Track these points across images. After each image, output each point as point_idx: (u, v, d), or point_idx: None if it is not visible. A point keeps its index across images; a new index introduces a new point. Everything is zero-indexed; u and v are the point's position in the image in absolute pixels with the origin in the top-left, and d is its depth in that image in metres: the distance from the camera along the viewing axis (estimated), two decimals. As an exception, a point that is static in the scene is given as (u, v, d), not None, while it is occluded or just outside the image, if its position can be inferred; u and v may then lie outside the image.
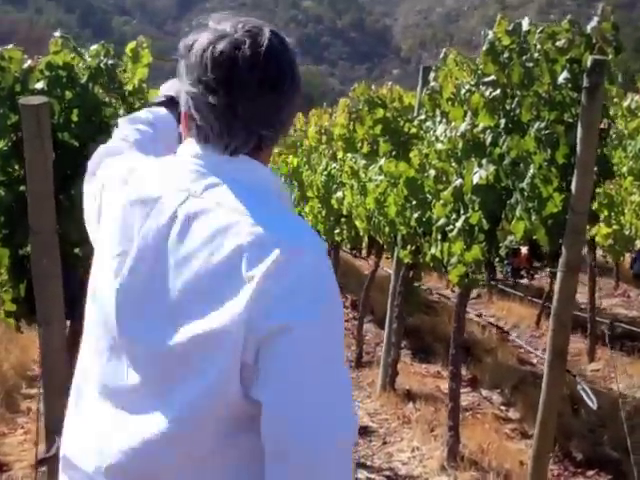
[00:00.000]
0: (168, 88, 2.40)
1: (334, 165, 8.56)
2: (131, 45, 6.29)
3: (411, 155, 6.01)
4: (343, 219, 8.63)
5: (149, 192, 1.56)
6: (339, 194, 8.31)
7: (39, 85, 4.07)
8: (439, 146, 5.59)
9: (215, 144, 1.54)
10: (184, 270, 1.45)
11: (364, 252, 12.87)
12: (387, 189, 6.58)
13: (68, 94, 4.14)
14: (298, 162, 10.27)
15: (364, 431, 6.47)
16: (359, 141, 7.33)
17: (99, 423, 1.55)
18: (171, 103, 2.29)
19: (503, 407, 7.25)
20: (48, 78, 4.06)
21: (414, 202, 6.08)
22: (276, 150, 11.33)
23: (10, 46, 4.15)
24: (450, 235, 5.37)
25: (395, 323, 7.07)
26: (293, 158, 10.46)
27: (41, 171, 3.79)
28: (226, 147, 1.53)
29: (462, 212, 5.26)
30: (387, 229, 6.76)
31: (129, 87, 6.23)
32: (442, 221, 5.50)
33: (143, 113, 2.25)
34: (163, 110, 2.28)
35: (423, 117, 6.22)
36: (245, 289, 1.38)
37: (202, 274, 1.43)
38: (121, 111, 4.41)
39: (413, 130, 6.56)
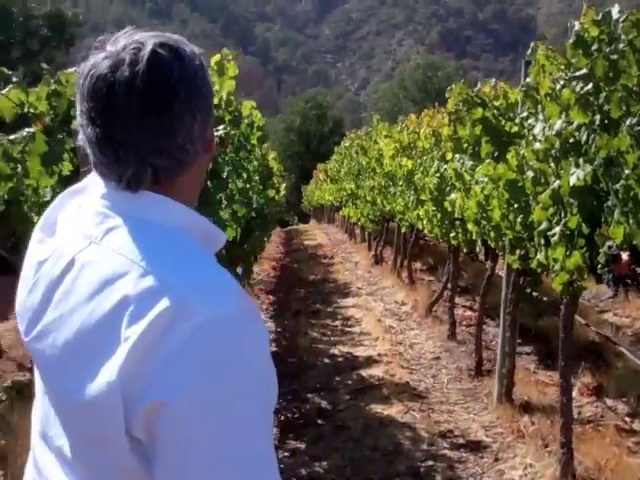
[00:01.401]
0: None
1: (445, 167, 8.27)
2: (216, 58, 6.22)
3: (508, 156, 5.67)
4: (457, 222, 8.30)
5: (56, 242, 1.43)
6: (452, 196, 8.00)
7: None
8: (537, 146, 5.24)
9: (109, 180, 1.38)
10: (67, 326, 1.30)
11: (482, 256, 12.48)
12: (492, 192, 6.25)
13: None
14: (412, 164, 9.99)
15: (476, 446, 6.18)
16: (464, 142, 7.00)
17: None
18: None
19: (628, 418, 6.77)
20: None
21: (516, 205, 5.76)
22: (390, 152, 11.09)
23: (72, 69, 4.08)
24: (552, 240, 5.04)
25: (508, 332, 6.72)
26: (407, 160, 10.18)
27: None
28: (120, 182, 1.36)
29: (562, 216, 4.93)
30: (492, 234, 6.43)
31: (215, 100, 6.17)
32: (543, 225, 5.19)
33: None
34: None
35: (525, 115, 5.87)
36: (120, 352, 1.21)
37: (84, 330, 1.28)
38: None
39: (515, 129, 6.19)
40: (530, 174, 5.32)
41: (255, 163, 8.26)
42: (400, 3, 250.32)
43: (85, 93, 1.34)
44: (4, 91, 3.97)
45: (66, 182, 4.04)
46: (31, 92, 3.99)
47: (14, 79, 3.97)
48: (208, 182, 4.60)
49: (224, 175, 4.78)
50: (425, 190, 8.99)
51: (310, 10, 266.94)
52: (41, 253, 1.44)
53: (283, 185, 29.08)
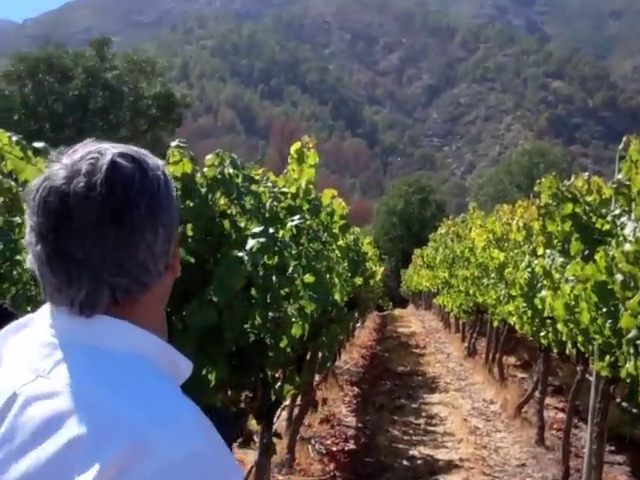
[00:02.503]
0: None
1: (536, 262, 7.89)
2: (296, 146, 6.07)
3: (597, 257, 5.30)
4: (548, 321, 7.88)
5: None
6: (543, 293, 7.61)
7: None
8: (627, 247, 4.87)
9: (61, 304, 1.23)
10: (13, 471, 1.11)
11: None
12: (580, 293, 5.86)
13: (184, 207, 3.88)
14: (505, 257, 9.63)
15: None
16: (555, 238, 6.65)
17: None
18: None
19: None
20: (160, 191, 3.82)
21: (604, 309, 5.36)
22: (482, 243, 10.74)
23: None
24: (642, 350, 4.64)
25: (595, 443, 6.23)
26: (499, 253, 9.82)
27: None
28: (72, 306, 1.21)
29: (653, 324, 4.54)
30: (580, 337, 6.01)
31: (292, 189, 6.00)
32: (632, 333, 4.79)
33: None
34: None
35: (617, 212, 5.51)
36: None
37: (32, 476, 1.09)
38: (242, 223, 4.08)
39: (607, 227, 5.82)
40: (619, 277, 4.93)
41: (337, 253, 8.02)
42: (509, 89, 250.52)
43: (36, 207, 1.21)
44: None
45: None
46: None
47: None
48: (273, 277, 4.39)
49: (289, 270, 4.55)
50: (515, 285, 8.60)
51: (419, 94, 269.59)
52: None
53: (381, 269, 28.89)
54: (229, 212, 4.05)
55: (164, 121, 45.65)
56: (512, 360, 13.84)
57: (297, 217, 5.62)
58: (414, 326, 24.49)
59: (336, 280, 9.22)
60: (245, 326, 4.18)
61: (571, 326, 6.22)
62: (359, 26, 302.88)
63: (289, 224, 5.57)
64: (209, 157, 3.97)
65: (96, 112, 44.39)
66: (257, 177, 5.67)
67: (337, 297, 8.48)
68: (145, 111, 45.42)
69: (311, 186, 6.12)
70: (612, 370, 5.73)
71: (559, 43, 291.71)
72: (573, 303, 6.13)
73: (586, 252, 5.98)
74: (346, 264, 11.28)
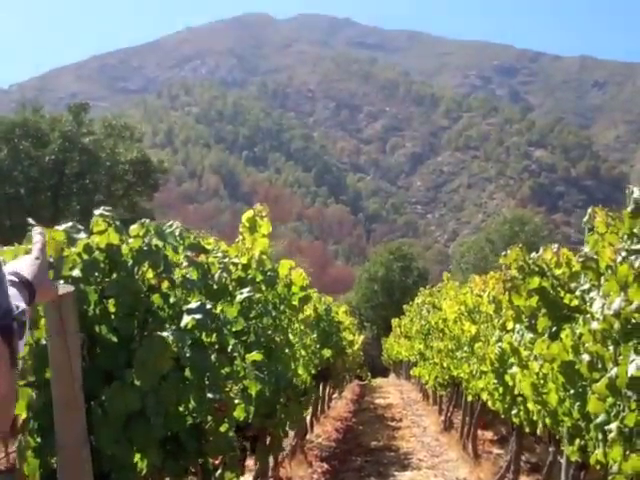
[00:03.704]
0: (22, 267, 1.93)
1: (505, 337, 7.57)
2: (248, 214, 5.79)
3: (562, 335, 5.00)
4: (519, 398, 7.54)
5: None
6: (513, 369, 7.27)
7: (76, 272, 3.52)
8: (594, 325, 4.58)
9: None
10: None
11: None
12: (548, 372, 5.56)
13: (106, 281, 3.56)
14: (476, 330, 9.30)
15: None
16: (522, 312, 6.34)
17: None
18: (25, 284, 1.84)
19: None
20: (83, 263, 3.50)
21: (572, 391, 5.04)
22: (453, 315, 10.43)
23: (64, 226, 3.63)
24: (609, 437, 4.30)
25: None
26: (470, 325, 9.50)
27: (64, 374, 3.28)
28: None
29: (620, 409, 4.22)
30: (548, 419, 5.68)
31: (243, 260, 5.69)
32: (600, 418, 4.46)
33: None
34: (11, 290, 1.72)
35: (586, 287, 5.22)
36: None
37: None
38: (172, 299, 3.76)
39: (575, 302, 5.52)
40: (586, 357, 4.64)
41: (296, 325, 7.69)
42: (492, 157, 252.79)
43: None
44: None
45: (41, 352, 3.54)
46: (5, 251, 3.56)
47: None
48: (212, 356, 4.06)
49: (229, 348, 4.23)
50: (486, 360, 8.27)
51: (403, 162, 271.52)
52: None
53: (360, 338, 28.49)
54: (158, 286, 3.73)
55: (141, 186, 45.48)
56: (489, 435, 13.42)
57: (247, 290, 5.31)
58: (392, 397, 24.02)
59: (302, 353, 8.89)
60: (180, 409, 3.84)
61: (538, 407, 5.89)
62: (343, 95, 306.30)
63: (238, 297, 5.26)
64: (134, 227, 3.67)
65: (72, 177, 44.05)
66: (209, 246, 5.39)
67: (300, 371, 8.13)
68: (122, 176, 44.98)
69: (265, 257, 5.83)
70: (583, 455, 5.40)
71: (542, 112, 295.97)
72: (542, 382, 5.82)
73: (554, 329, 5.69)
74: (315, 335, 10.95)
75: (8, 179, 41.74)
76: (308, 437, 13.09)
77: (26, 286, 1.83)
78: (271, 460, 8.75)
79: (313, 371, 10.02)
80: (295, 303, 6.93)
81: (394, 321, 27.86)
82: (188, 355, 3.64)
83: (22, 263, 1.97)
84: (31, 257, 2.03)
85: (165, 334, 3.46)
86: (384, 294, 59.34)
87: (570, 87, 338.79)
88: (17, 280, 1.82)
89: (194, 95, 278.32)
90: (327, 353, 11.27)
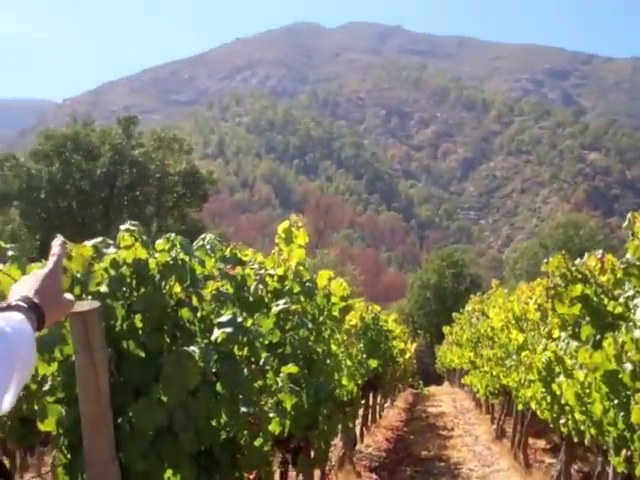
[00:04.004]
0: (30, 287, 1.88)
1: (551, 345, 7.42)
2: (284, 225, 5.74)
3: (605, 343, 4.87)
4: (567, 408, 7.38)
5: None
6: (561, 378, 7.12)
7: (103, 288, 3.50)
8: (637, 333, 4.47)
9: None
10: None
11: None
12: (593, 382, 5.42)
13: (134, 296, 3.54)
14: (524, 338, 9.15)
15: None
16: (566, 321, 6.20)
17: None
18: (33, 309, 1.77)
19: None
20: (110, 278, 3.49)
21: (616, 401, 4.91)
22: (499, 324, 10.28)
23: (93, 241, 3.61)
24: (656, 449, 4.19)
25: None
26: (518, 334, 9.34)
27: (92, 390, 3.26)
28: None
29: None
30: (593, 430, 5.54)
31: (279, 271, 5.65)
32: (646, 429, 4.34)
33: None
34: (17, 316, 1.70)
35: (630, 293, 5.10)
36: None
37: None
38: (200, 312, 3.72)
39: (619, 310, 5.38)
40: (628, 366, 4.53)
41: (338, 336, 7.62)
42: (545, 161, 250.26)
43: None
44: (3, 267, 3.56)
45: (70, 369, 3.53)
46: (34, 268, 3.57)
47: (10, 253, 3.57)
48: (245, 370, 4.01)
49: (261, 362, 4.18)
50: (533, 369, 8.12)
51: (455, 167, 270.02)
52: None
53: (412, 347, 28.32)
54: (187, 300, 3.71)
55: (190, 197, 45.89)
56: (541, 443, 13.22)
57: (282, 301, 5.27)
58: (445, 406, 23.80)
59: (347, 363, 8.82)
60: (213, 423, 3.81)
61: (583, 418, 5.76)
62: (394, 102, 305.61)
63: (274, 309, 5.22)
64: (159, 242, 3.64)
65: (123, 189, 44.80)
66: (245, 258, 5.37)
67: (345, 382, 8.06)
68: (171, 187, 45.72)
69: (301, 267, 5.78)
70: (629, 466, 5.26)
71: (595, 115, 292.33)
72: (586, 392, 5.69)
73: (597, 337, 5.55)
74: (362, 345, 10.88)
75: (60, 192, 42.38)
76: (358, 447, 13.00)
77: (34, 310, 1.78)
78: (317, 472, 8.70)
79: (360, 381, 9.94)
80: (335, 314, 6.87)
81: (446, 328, 27.61)
82: (214, 370, 3.61)
83: (31, 282, 1.92)
84: (43, 272, 1.97)
85: (192, 349, 3.42)
86: (437, 301, 58.94)
87: (623, 89, 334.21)
88: (25, 306, 1.78)
89: (245, 105, 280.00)
90: (374, 363, 11.18)
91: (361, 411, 14.14)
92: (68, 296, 2.04)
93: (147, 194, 44.26)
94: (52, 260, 2.03)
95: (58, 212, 42.33)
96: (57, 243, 2.12)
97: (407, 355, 23.07)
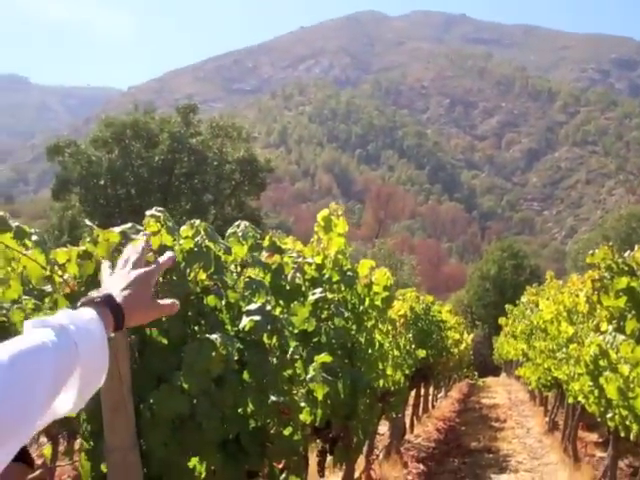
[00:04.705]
0: (119, 285, 1.82)
1: (597, 338, 7.28)
2: (323, 213, 5.71)
3: (646, 339, 4.76)
4: (614, 402, 7.24)
5: None
6: (607, 372, 6.99)
7: (125, 273, 3.50)
8: (678, 328, 4.35)
9: None
10: None
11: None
12: (636, 377, 5.31)
13: (158, 283, 3.54)
14: (574, 331, 8.99)
15: None
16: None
17: None
18: (112, 307, 1.72)
19: None
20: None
21: (659, 397, 4.81)
22: (549, 316, 10.13)
23: (121, 227, 3.62)
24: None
25: None
26: (567, 326, 9.19)
27: (112, 377, 3.26)
28: None
29: None
30: (635, 426, 5.42)
31: (317, 260, 5.62)
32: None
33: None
34: (86, 314, 1.64)
35: (676, 287, 4.98)
36: None
37: None
38: (224, 300, 3.71)
39: (664, 304, 5.26)
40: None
41: (382, 326, 7.56)
42: (611, 152, 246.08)
43: None
44: (29, 252, 3.57)
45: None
46: (58, 253, 3.57)
47: (34, 238, 3.57)
48: (274, 359, 4.00)
49: (290, 351, 4.15)
50: (580, 362, 7.98)
51: (518, 158, 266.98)
52: None
53: (469, 337, 28.13)
54: (214, 288, 3.70)
55: (247, 185, 46.40)
56: (594, 437, 13.01)
57: (319, 290, 5.25)
58: (499, 397, 23.60)
59: (395, 353, 8.77)
60: (239, 411, 3.80)
61: (626, 412, 5.64)
62: (458, 91, 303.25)
63: (310, 297, 5.20)
64: (184, 228, 3.64)
65: (181, 177, 45.18)
66: (285, 247, 5.35)
67: (389, 372, 8.02)
68: (229, 175, 46.02)
69: (341, 256, 5.74)
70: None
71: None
72: (631, 386, 5.57)
73: (642, 331, 5.44)
74: (410, 335, 10.82)
75: (119, 179, 42.95)
76: (407, 437, 12.96)
77: (113, 309, 1.72)
78: (362, 461, 8.69)
79: (407, 371, 9.88)
80: (378, 303, 6.82)
81: (502, 320, 27.37)
82: (239, 358, 3.60)
83: (121, 281, 1.84)
84: (137, 273, 1.88)
85: (214, 336, 3.41)
86: (496, 292, 58.32)
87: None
88: (103, 303, 1.73)
89: (308, 94, 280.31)
90: (422, 353, 11.10)
91: (411, 401, 14.08)
92: (165, 301, 1.93)
93: (205, 182, 44.40)
94: (154, 264, 1.93)
95: (117, 199, 42.87)
96: (169, 254, 2.03)
97: (462, 346, 22.90)
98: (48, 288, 3.74)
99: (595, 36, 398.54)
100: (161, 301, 1.90)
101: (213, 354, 3.39)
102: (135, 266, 1.90)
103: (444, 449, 12.76)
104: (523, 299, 18.05)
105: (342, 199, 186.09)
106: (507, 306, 21.91)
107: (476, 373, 31.91)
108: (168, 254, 2.02)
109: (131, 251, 1.98)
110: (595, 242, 68.17)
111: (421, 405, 15.86)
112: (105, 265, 1.98)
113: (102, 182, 42.98)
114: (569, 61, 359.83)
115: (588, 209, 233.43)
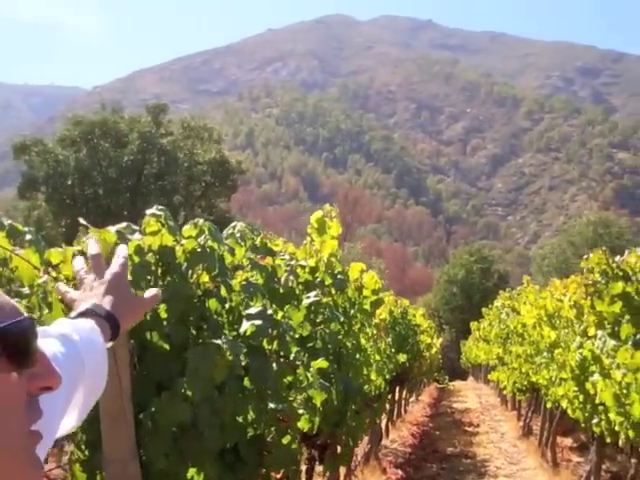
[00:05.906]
0: (96, 294, 1.69)
1: (586, 343, 7.23)
2: (317, 215, 5.60)
3: (646, 345, 4.69)
4: (601, 407, 7.19)
5: None
6: (595, 377, 6.93)
7: (125, 275, 3.35)
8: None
9: None
10: None
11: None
12: (632, 383, 5.24)
13: (158, 285, 3.39)
14: (556, 336, 8.95)
15: None
16: (605, 318, 6.02)
17: None
18: (106, 317, 1.61)
19: None
20: (133, 266, 3.32)
21: (658, 404, 4.74)
22: (531, 320, 10.10)
23: (117, 227, 3.46)
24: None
25: None
26: (550, 331, 9.15)
27: (112, 385, 3.10)
28: None
29: None
30: (631, 432, 5.36)
31: (311, 262, 5.50)
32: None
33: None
34: (86, 324, 1.54)
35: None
36: None
37: None
38: (227, 304, 3.58)
39: (661, 309, 5.20)
40: (674, 369, 4.34)
41: (368, 330, 7.47)
42: (574, 159, 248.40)
43: None
44: (21, 252, 3.41)
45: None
46: (53, 253, 3.41)
47: (28, 237, 3.41)
48: (274, 364, 3.87)
49: (291, 356, 4.03)
50: (566, 367, 7.93)
51: (484, 163, 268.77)
52: None
53: (438, 341, 28.13)
54: (215, 290, 3.56)
55: (219, 187, 45.86)
56: (569, 442, 13.02)
57: (313, 294, 5.13)
58: (470, 401, 23.62)
59: (376, 357, 8.67)
60: (239, 420, 3.66)
61: (621, 418, 5.57)
62: (424, 96, 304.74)
63: (305, 301, 5.08)
64: (187, 227, 3.49)
65: (151, 177, 44.68)
66: (276, 248, 5.22)
67: (373, 377, 7.92)
68: (200, 177, 45.67)
69: (333, 259, 5.63)
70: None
71: (625, 114, 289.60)
72: (625, 392, 5.50)
73: (638, 336, 5.37)
74: (390, 339, 10.73)
75: (87, 179, 42.42)
76: (383, 442, 12.87)
77: (107, 319, 1.62)
78: (343, 467, 8.57)
79: (387, 376, 9.79)
80: (367, 307, 6.72)
81: (473, 324, 27.42)
82: (242, 364, 3.46)
83: (97, 288, 1.70)
84: (108, 275, 1.75)
85: (219, 341, 3.27)
86: (463, 297, 58.57)
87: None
88: (97, 314, 1.61)
89: (275, 97, 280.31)
90: (402, 358, 11.03)
91: (387, 406, 14.01)
92: (147, 293, 1.81)
93: (175, 183, 43.99)
94: (118, 262, 1.79)
95: (84, 199, 42.36)
96: (124, 248, 1.90)
97: (433, 350, 22.89)
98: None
99: (560, 44, 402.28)
100: (143, 295, 1.80)
101: (218, 360, 3.26)
102: (98, 272, 1.76)
103: (420, 454, 12.68)
104: (497, 303, 18.04)
105: (309, 202, 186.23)
106: (484, 310, 21.92)
107: (447, 377, 31.99)
108: (122, 247, 1.90)
109: (81, 263, 1.85)
110: (561, 248, 68.77)
111: (395, 410, 15.78)
112: (60, 285, 1.87)
113: (69, 182, 42.42)
114: (534, 68, 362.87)
115: (551, 215, 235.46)
